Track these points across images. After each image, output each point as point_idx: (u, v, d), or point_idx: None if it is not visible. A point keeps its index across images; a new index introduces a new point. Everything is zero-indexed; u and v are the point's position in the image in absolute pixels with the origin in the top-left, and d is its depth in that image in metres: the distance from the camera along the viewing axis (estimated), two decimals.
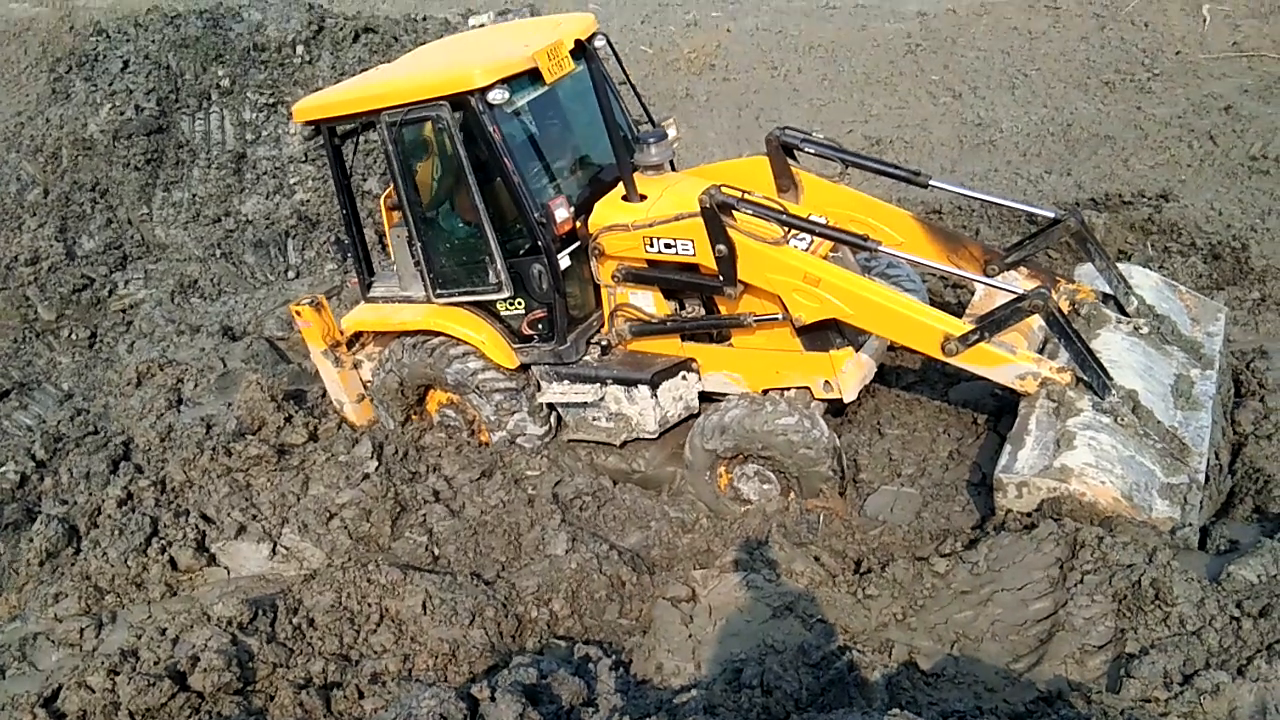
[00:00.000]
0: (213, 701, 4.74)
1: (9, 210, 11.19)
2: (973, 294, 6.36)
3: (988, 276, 5.84)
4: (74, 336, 10.08)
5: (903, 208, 6.55)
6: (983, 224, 8.48)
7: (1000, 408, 5.84)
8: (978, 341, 5.08)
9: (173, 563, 5.90)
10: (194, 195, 11.53)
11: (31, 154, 11.89)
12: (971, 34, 11.92)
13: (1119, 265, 5.84)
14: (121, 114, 11.80)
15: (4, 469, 7.98)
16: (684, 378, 6.18)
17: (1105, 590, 4.04)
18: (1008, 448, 4.91)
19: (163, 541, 5.98)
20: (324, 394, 7.42)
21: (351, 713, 4.68)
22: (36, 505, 7.41)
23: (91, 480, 7.14)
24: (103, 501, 6.40)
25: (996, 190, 9.16)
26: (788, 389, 5.88)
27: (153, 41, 12.47)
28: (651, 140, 6.16)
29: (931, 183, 5.99)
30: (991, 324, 5.07)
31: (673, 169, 6.50)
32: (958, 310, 6.19)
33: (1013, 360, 5.13)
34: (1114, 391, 4.88)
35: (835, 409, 6.09)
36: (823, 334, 5.70)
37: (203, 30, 12.60)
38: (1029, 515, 4.65)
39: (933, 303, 6.40)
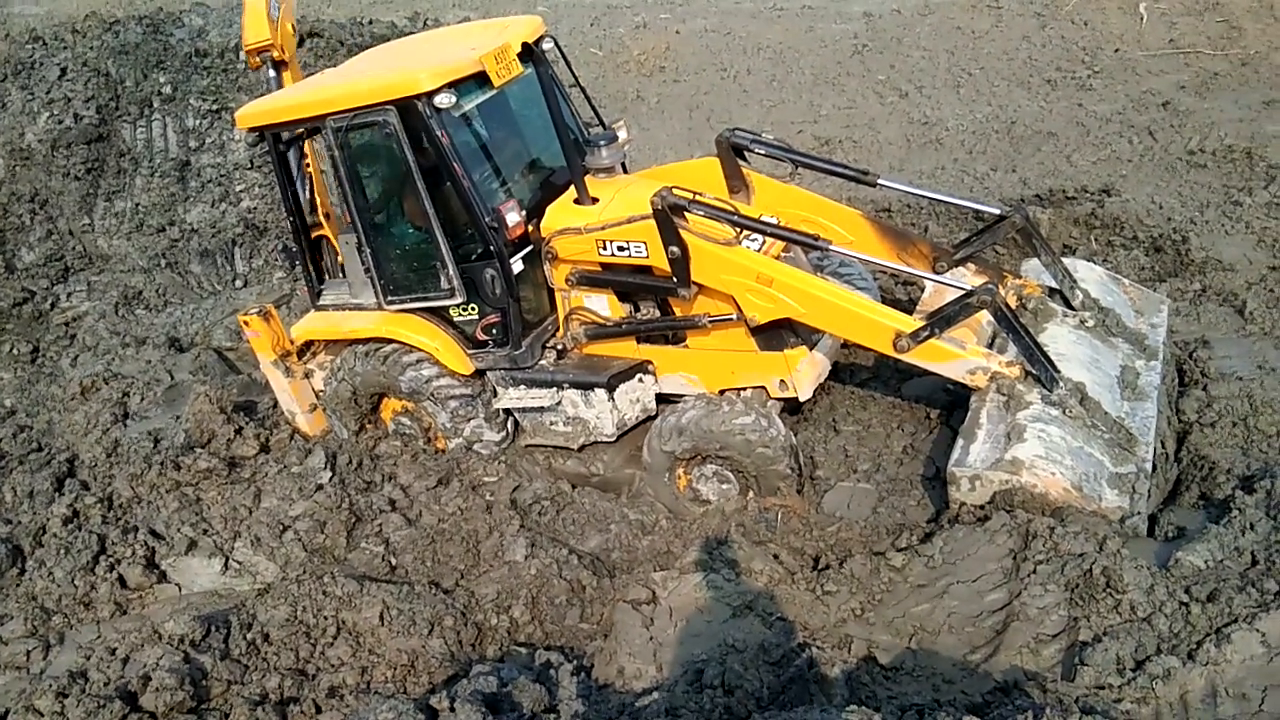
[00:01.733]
0: None
1: None
2: (923, 291, 6.45)
3: (937, 274, 5.92)
4: (15, 351, 9.79)
5: (853, 207, 6.62)
6: (931, 221, 8.60)
7: (952, 402, 5.93)
8: (928, 338, 5.14)
9: (122, 581, 5.76)
10: (137, 204, 11.27)
11: None
12: (916, 34, 12.10)
13: (1064, 260, 5.95)
14: (60, 123, 11.49)
15: None
16: (640, 380, 6.18)
17: (1058, 580, 4.12)
18: (960, 442, 4.98)
19: (111, 559, 5.84)
20: (275, 405, 7.29)
21: None
22: None
23: (36, 499, 6.93)
24: (48, 520, 6.23)
25: (944, 188, 9.31)
26: (744, 389, 5.91)
27: (91, 48, 12.17)
28: (602, 143, 6.15)
29: (880, 182, 6.06)
30: (941, 320, 5.14)
31: (624, 171, 6.52)
32: (908, 307, 6.27)
33: (963, 356, 5.21)
34: (1062, 384, 4.97)
35: (791, 407, 6.13)
36: (777, 334, 5.74)
37: (143, 36, 12.33)
38: (982, 508, 4.72)
39: (884, 300, 6.47)
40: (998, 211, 5.94)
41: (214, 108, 11.92)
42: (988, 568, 4.36)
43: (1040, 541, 4.26)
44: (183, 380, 8.17)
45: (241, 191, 11.29)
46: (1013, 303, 5.64)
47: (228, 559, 5.90)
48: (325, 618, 5.18)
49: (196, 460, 6.49)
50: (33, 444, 8.07)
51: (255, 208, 11.11)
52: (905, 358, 5.24)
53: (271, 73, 7.08)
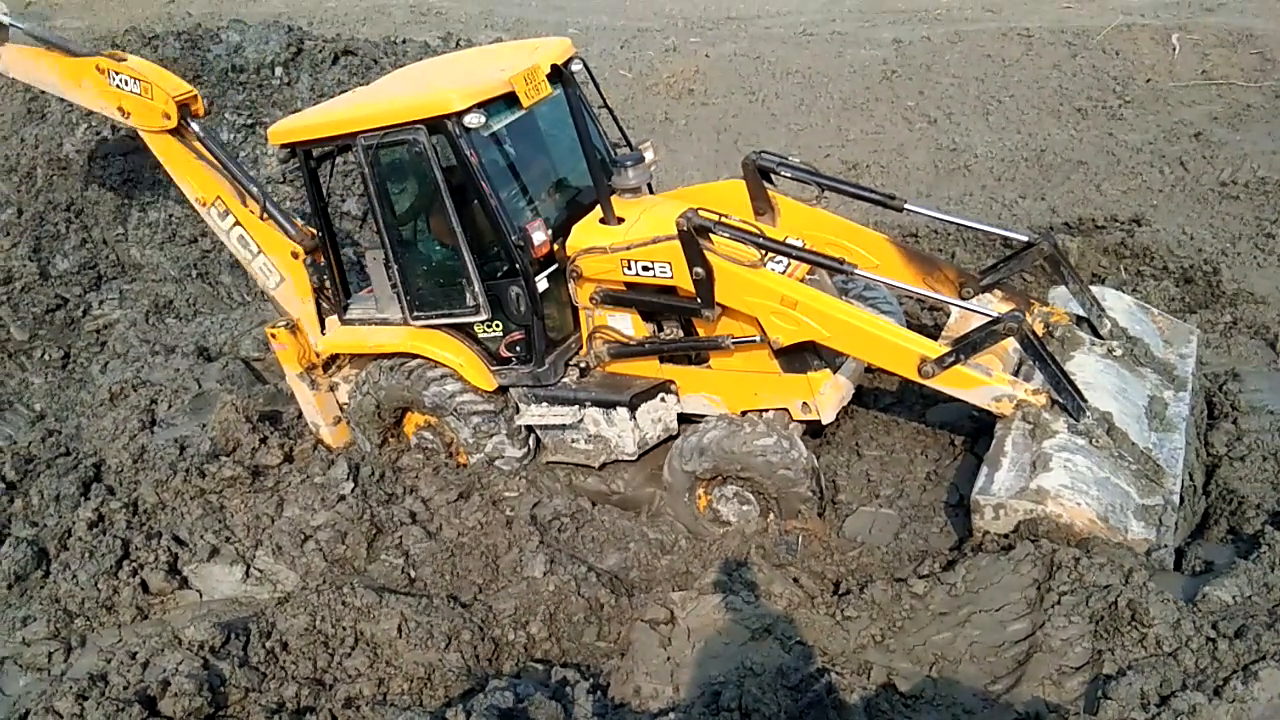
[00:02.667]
0: None
1: None
2: (948, 317, 6.42)
3: (963, 299, 5.91)
4: (47, 357, 9.93)
5: (879, 231, 6.62)
6: (958, 247, 8.57)
7: (977, 429, 5.88)
8: (954, 364, 5.12)
9: (144, 586, 5.81)
10: (170, 215, 11.42)
11: (6, 174, 11.75)
12: (946, 61, 12.10)
13: (1092, 288, 5.91)
14: (98, 134, 11.70)
15: None
16: (663, 399, 6.19)
17: (1082, 611, 4.07)
18: (984, 469, 4.94)
19: (134, 564, 5.89)
20: (300, 415, 7.36)
21: None
22: (6, 527, 7.27)
23: (62, 502, 7.02)
24: (73, 524, 6.30)
25: (971, 215, 9.28)
26: (766, 410, 5.90)
27: None
28: (629, 163, 6.18)
29: (907, 207, 6.07)
30: (967, 346, 5.12)
31: (650, 192, 6.54)
32: (934, 333, 6.25)
33: (989, 382, 5.18)
34: (1089, 413, 4.92)
35: (813, 430, 6.11)
36: (800, 356, 5.72)
37: (181, 51, 12.54)
38: (1006, 536, 4.67)
39: (909, 325, 6.45)
40: (1026, 238, 5.92)
41: (248, 122, 12.10)
42: (1011, 597, 4.32)
43: (1065, 572, 4.21)
44: (210, 389, 8.25)
45: None
46: (1040, 330, 5.61)
47: (249, 567, 5.94)
48: (344, 628, 5.19)
49: (221, 468, 6.55)
50: (61, 448, 8.18)
51: None
52: (930, 383, 5.22)
53: None
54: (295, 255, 7.04)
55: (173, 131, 6.97)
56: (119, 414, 8.07)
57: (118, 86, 6.93)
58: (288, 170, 11.44)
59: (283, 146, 6.55)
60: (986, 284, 6.06)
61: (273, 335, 7.03)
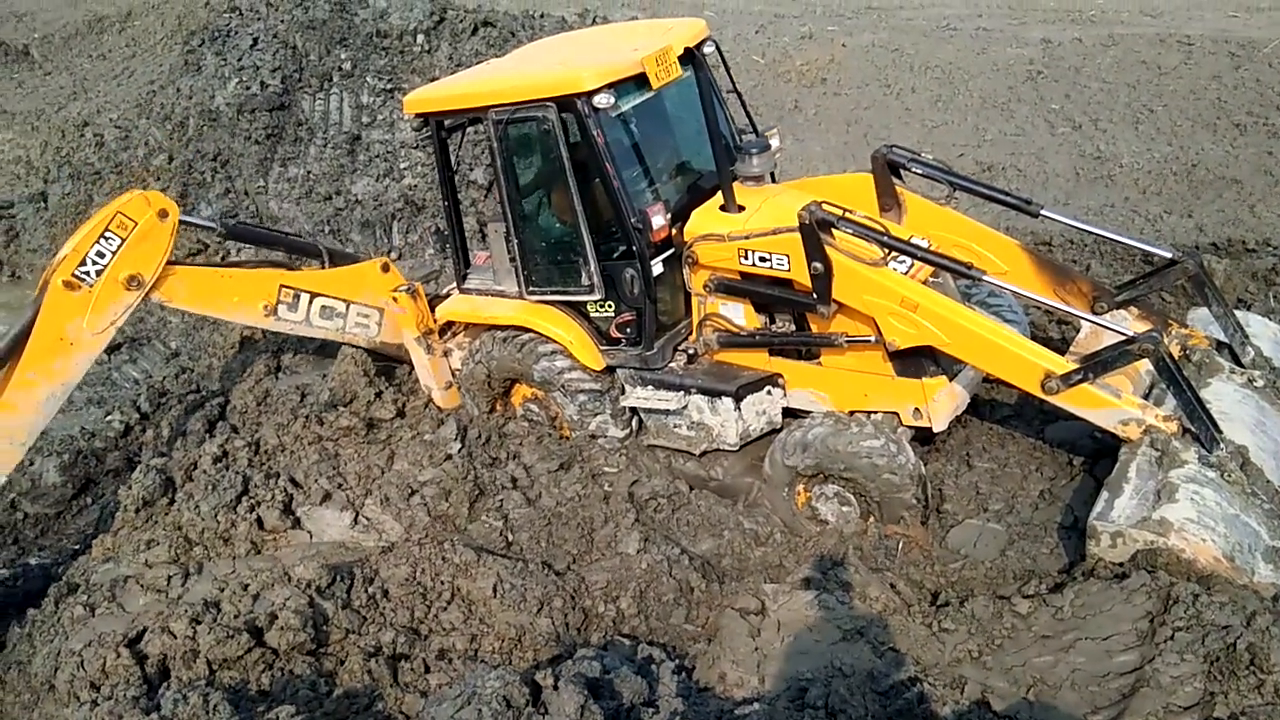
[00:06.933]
0: (286, 659, 4.88)
1: (135, 173, 11.74)
2: (1078, 331, 6.16)
3: (1096, 315, 5.66)
4: None
5: (1010, 237, 6.38)
6: (1094, 260, 8.20)
7: (1098, 451, 5.63)
8: (1080, 382, 4.91)
9: (260, 522, 6.09)
10: (309, 172, 11.91)
11: (160, 121, 12.46)
12: (1097, 64, 11.56)
13: (1237, 313, 5.59)
14: (247, 89, 12.27)
15: (110, 418, 8.38)
16: (769, 392, 6.13)
17: (1197, 650, 3.87)
18: (1104, 494, 4.74)
19: (252, 501, 6.18)
20: (413, 373, 7.58)
21: (417, 685, 4.77)
22: (137, 455, 7.76)
23: (189, 437, 7.42)
24: (199, 458, 6.64)
25: (1112, 227, 8.85)
26: (874, 413, 5.78)
27: (282, 21, 12.95)
28: (754, 150, 6.10)
29: (1043, 213, 5.84)
30: (1097, 365, 4.90)
31: (773, 181, 6.45)
32: (1061, 347, 5.99)
33: (1117, 404, 4.96)
34: (1222, 445, 4.66)
35: (923, 437, 5.96)
36: (916, 360, 5.58)
37: (330, 13, 13.03)
38: (1121, 565, 4.47)
39: (1034, 338, 6.21)
40: (1169, 255, 5.63)
41: (388, 87, 12.49)
42: (1120, 627, 4.14)
43: (1182, 608, 4.01)
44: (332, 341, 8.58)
45: (405, 169, 11.78)
46: (1176, 353, 5.33)
47: (357, 514, 6.16)
48: (442, 582, 5.35)
49: (338, 417, 6.81)
50: (192, 385, 8.66)
51: (415, 185, 11.57)
52: (1053, 399, 5.02)
53: None
54: (386, 268, 7.34)
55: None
56: (247, 358, 8.48)
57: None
58: (420, 138, 11.76)
59: (416, 115, 6.70)
60: (1122, 300, 5.80)
61: (394, 299, 7.24)
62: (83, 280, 6.10)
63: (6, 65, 18.81)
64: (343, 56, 12.66)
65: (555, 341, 6.50)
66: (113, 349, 9.59)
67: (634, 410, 6.58)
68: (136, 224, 6.26)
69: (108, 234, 6.16)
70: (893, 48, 12.73)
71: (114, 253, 6.17)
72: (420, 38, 12.99)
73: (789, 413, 6.18)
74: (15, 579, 6.55)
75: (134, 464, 7.33)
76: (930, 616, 4.59)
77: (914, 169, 6.14)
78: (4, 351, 5.96)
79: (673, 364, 6.39)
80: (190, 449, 7.01)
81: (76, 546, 6.86)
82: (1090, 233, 6.67)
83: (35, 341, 6.00)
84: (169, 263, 6.53)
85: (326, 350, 8.11)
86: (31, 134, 15.52)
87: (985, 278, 5.29)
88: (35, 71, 18.59)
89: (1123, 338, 4.92)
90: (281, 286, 7.01)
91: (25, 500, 7.53)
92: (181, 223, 6.68)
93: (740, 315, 6.13)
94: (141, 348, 9.88)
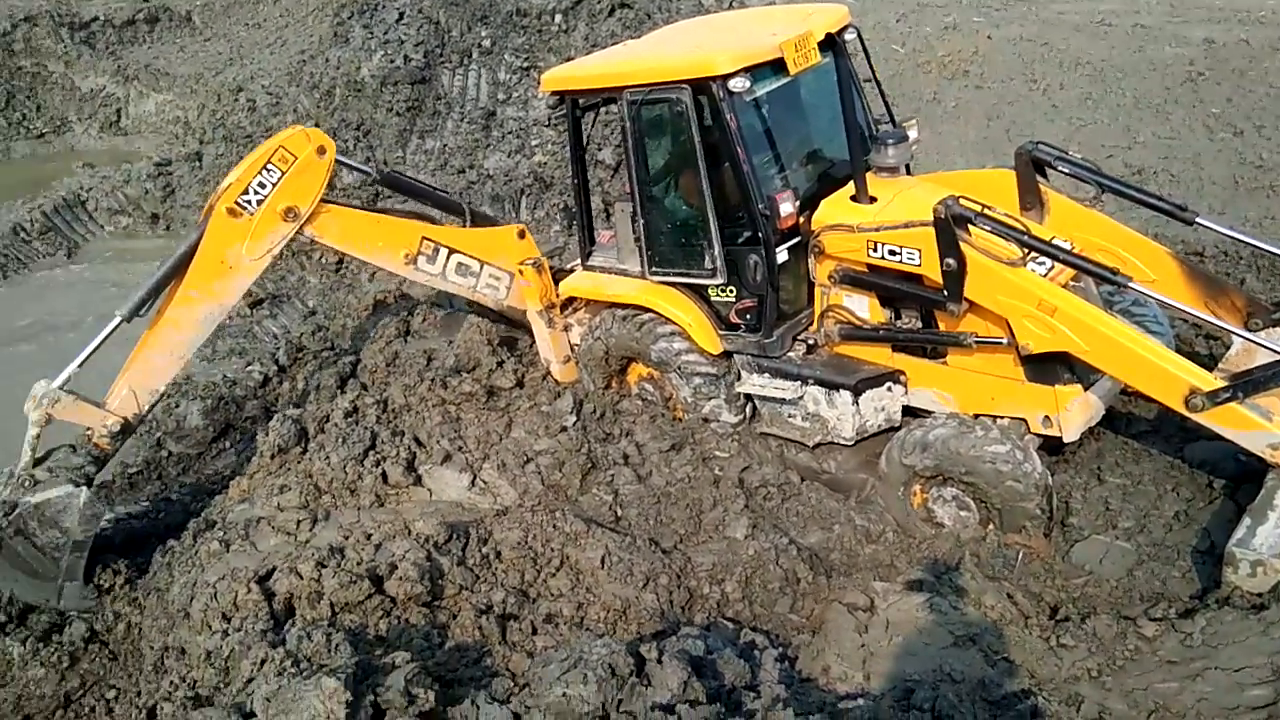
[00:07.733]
0: (403, 608, 5.08)
1: None
2: (1228, 347, 5.83)
3: (1250, 330, 5.36)
4: (324, 260, 10.99)
5: (1159, 244, 6.07)
6: (1250, 274, 7.72)
7: (1241, 475, 5.32)
8: (1229, 400, 4.66)
9: (384, 476, 6.33)
10: (444, 145, 12.28)
11: (309, 89, 13.06)
12: (1264, 68, 10.82)
13: None
14: (391, 62, 12.72)
15: (250, 368, 8.88)
16: (889, 389, 6.02)
17: None
18: (1246, 520, 4.49)
19: (378, 456, 6.43)
20: (534, 345, 7.74)
21: (524, 645, 4.90)
22: (274, 405, 8.20)
23: (321, 391, 7.78)
24: (331, 411, 6.96)
25: (1272, 239, 8.30)
26: (1001, 418, 5.60)
27: None
28: (890, 141, 5.97)
29: (1198, 221, 5.57)
30: (1248, 383, 4.64)
31: (908, 173, 6.31)
32: (1208, 363, 5.68)
33: (1267, 427, 4.68)
34: None
35: (1051, 446, 5.75)
36: (1050, 366, 5.38)
37: None
38: (1259, 595, 4.24)
39: (1179, 351, 5.89)
40: None
41: (524, 64, 12.74)
42: (1255, 660, 3.93)
43: None
44: (459, 309, 8.85)
45: (536, 146, 12.01)
46: None
47: (475, 476, 6.34)
48: (552, 549, 5.47)
49: (461, 383, 7.01)
50: (327, 343, 9.08)
51: (545, 163, 11.78)
52: (1197, 417, 4.78)
53: None
54: (522, 234, 7.48)
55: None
56: (379, 320, 8.82)
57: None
58: (554, 115, 11.96)
59: (552, 93, 6.80)
60: (1279, 317, 5.44)
61: (520, 272, 7.40)
62: (244, 208, 6.41)
63: (170, 30, 20.00)
64: (483, 33, 12.96)
65: (674, 323, 6.53)
66: (254, 304, 10.15)
67: (749, 397, 6.56)
68: (296, 158, 6.52)
69: (269, 166, 6.44)
70: (1042, 41, 12.21)
71: (274, 184, 6.45)
72: (558, 17, 13.19)
73: (909, 411, 6.06)
74: (157, 512, 7.04)
75: (271, 413, 7.73)
76: (1048, 630, 4.46)
77: (1060, 168, 5.91)
78: (169, 271, 6.34)
79: (791, 353, 6.34)
80: (323, 402, 7.34)
81: (214, 486, 7.28)
82: (1248, 244, 6.28)
83: (199, 262, 6.34)
84: (324, 200, 6.79)
85: (454, 317, 8.37)
86: (190, 96, 16.50)
87: (1131, 284, 5.06)
88: (196, 37, 19.71)
89: (1278, 357, 4.64)
90: (424, 238, 7.19)
91: (170, 439, 8.07)
92: (338, 162, 6.92)
93: (864, 308, 6.03)
94: (281, 304, 10.40)
